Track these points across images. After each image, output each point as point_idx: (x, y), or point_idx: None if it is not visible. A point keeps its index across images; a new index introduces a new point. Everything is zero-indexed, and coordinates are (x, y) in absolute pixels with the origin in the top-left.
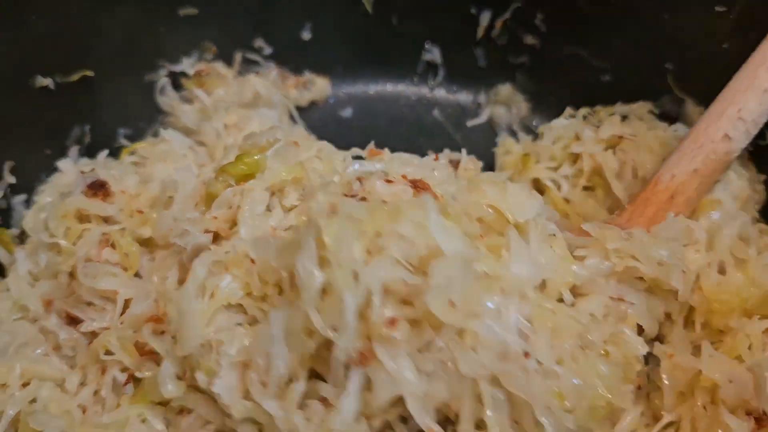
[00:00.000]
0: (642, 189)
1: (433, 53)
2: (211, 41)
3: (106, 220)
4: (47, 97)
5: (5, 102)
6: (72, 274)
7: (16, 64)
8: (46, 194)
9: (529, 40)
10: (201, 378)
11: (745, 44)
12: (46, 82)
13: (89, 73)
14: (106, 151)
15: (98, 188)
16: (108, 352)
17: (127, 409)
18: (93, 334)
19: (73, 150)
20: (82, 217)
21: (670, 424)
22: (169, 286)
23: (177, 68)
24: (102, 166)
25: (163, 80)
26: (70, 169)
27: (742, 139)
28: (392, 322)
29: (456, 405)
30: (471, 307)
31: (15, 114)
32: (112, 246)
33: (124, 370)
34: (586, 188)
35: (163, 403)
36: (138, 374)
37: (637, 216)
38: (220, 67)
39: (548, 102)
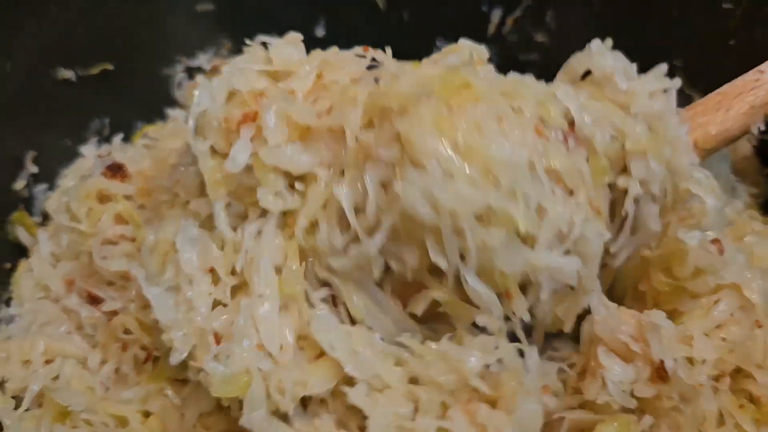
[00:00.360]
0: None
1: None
2: (226, 37)
3: (118, 199)
4: (69, 89)
5: (28, 93)
6: (92, 255)
7: (40, 56)
8: (68, 178)
9: (540, 37)
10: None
11: (751, 40)
12: (68, 74)
13: (109, 66)
14: (120, 135)
15: (116, 170)
16: (127, 331)
17: (148, 385)
18: (113, 313)
19: (93, 141)
20: (103, 198)
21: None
22: None
23: (193, 63)
24: (118, 149)
25: (180, 75)
26: (91, 154)
27: None
28: None
29: None
30: None
31: (38, 105)
32: (125, 222)
33: (143, 347)
34: None
35: (185, 380)
36: (156, 353)
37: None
38: None
39: None
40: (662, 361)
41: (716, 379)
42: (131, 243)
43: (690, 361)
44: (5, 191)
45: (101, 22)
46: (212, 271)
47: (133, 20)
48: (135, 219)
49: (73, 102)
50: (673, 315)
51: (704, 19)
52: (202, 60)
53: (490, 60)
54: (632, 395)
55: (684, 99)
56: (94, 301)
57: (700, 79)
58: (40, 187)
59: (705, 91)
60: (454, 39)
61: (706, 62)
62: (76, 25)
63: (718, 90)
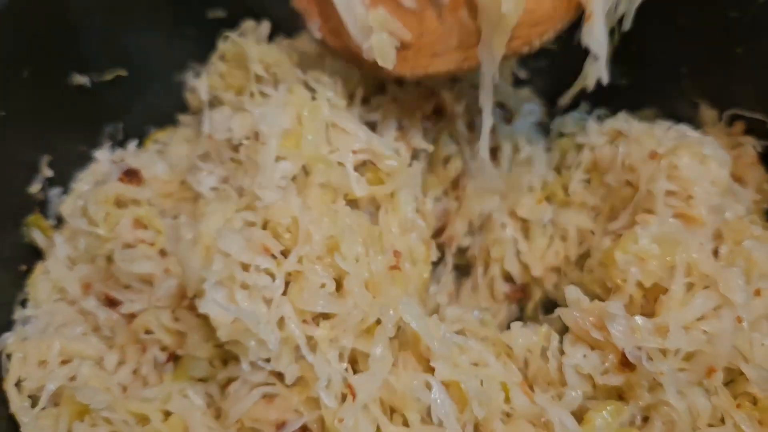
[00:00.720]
0: None
1: None
2: None
3: (139, 204)
4: (83, 94)
5: (44, 98)
6: (110, 258)
7: (55, 62)
8: (83, 182)
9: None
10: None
11: (757, 48)
12: (83, 80)
13: (123, 72)
14: (135, 141)
15: (132, 175)
16: (148, 332)
17: (169, 385)
18: (131, 316)
19: (106, 146)
20: (119, 203)
21: None
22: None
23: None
24: (132, 155)
25: (191, 80)
26: (106, 158)
27: None
28: None
29: None
30: None
31: (53, 110)
32: (144, 227)
33: (163, 349)
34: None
35: (204, 380)
36: (179, 352)
37: None
38: None
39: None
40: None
41: (707, 374)
42: (150, 247)
43: (663, 352)
44: (21, 194)
45: (115, 29)
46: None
47: (146, 27)
48: (155, 223)
49: (87, 107)
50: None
51: (711, 28)
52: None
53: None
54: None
55: (691, 106)
56: (111, 303)
57: (707, 87)
58: (55, 191)
59: (712, 99)
60: None
61: (713, 70)
62: (91, 33)
63: None
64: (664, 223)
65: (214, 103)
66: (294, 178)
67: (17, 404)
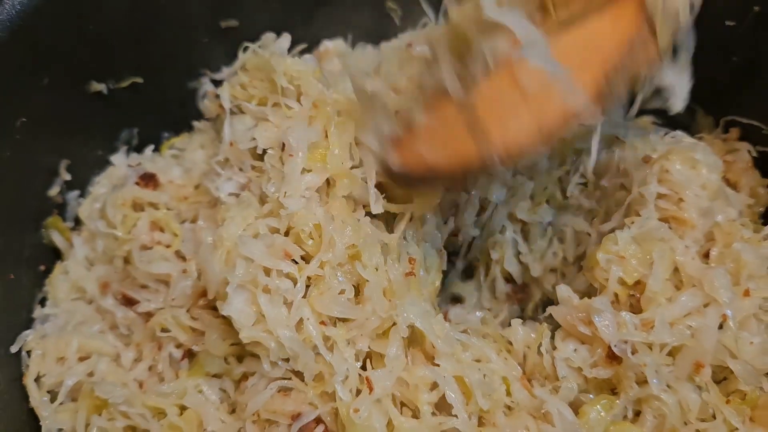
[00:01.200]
0: None
1: None
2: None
3: (156, 207)
4: (100, 101)
5: (63, 105)
6: (126, 260)
7: (74, 71)
8: (100, 186)
9: None
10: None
11: (754, 57)
12: (100, 87)
13: (138, 80)
14: (152, 146)
15: (149, 179)
16: (164, 330)
17: (184, 381)
18: (148, 314)
19: (122, 150)
20: (136, 206)
21: None
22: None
23: (218, 77)
24: (148, 159)
25: (205, 87)
26: (122, 163)
27: None
28: None
29: None
30: None
31: (71, 116)
32: (161, 229)
33: (178, 346)
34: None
35: (218, 375)
36: (194, 348)
37: None
38: None
39: None
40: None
41: (695, 370)
42: (166, 249)
43: (649, 346)
44: (41, 197)
45: (132, 38)
46: (287, 255)
47: (162, 36)
48: (171, 226)
49: (104, 114)
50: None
51: (706, 36)
52: (226, 73)
53: None
54: (584, 376)
55: (688, 113)
56: (129, 302)
57: (702, 94)
58: (73, 194)
59: (707, 107)
60: None
61: (709, 77)
62: (108, 40)
63: None
64: (644, 223)
65: (234, 111)
66: (318, 190)
67: (37, 399)
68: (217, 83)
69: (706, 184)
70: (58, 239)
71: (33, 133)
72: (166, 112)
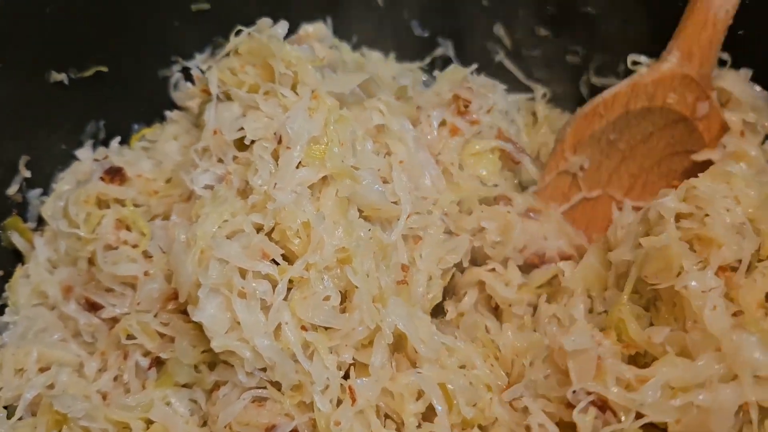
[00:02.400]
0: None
1: (446, 47)
2: (222, 37)
3: (123, 204)
4: (62, 91)
5: (21, 97)
6: (91, 261)
7: (31, 59)
8: (64, 182)
9: (542, 32)
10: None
11: (760, 29)
12: (61, 77)
13: (103, 68)
14: (118, 138)
15: (115, 173)
16: (130, 336)
17: (151, 392)
18: (113, 320)
19: (88, 144)
20: (101, 203)
21: None
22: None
23: (190, 64)
24: (115, 152)
25: (177, 75)
26: (88, 157)
27: None
28: None
29: None
30: None
31: (30, 109)
32: (128, 228)
33: (146, 354)
34: None
35: (189, 385)
36: (163, 355)
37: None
38: None
39: (564, 96)
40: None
41: None
42: (132, 249)
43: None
44: None
45: (94, 22)
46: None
47: (127, 20)
48: (139, 224)
49: (67, 105)
50: None
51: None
52: (198, 60)
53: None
54: None
55: None
56: (92, 307)
57: None
58: (34, 192)
59: None
60: (457, 36)
61: None
62: (69, 26)
63: None
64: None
65: (220, 98)
66: (311, 186)
67: None
68: (189, 70)
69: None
70: (18, 241)
71: None
72: (135, 101)
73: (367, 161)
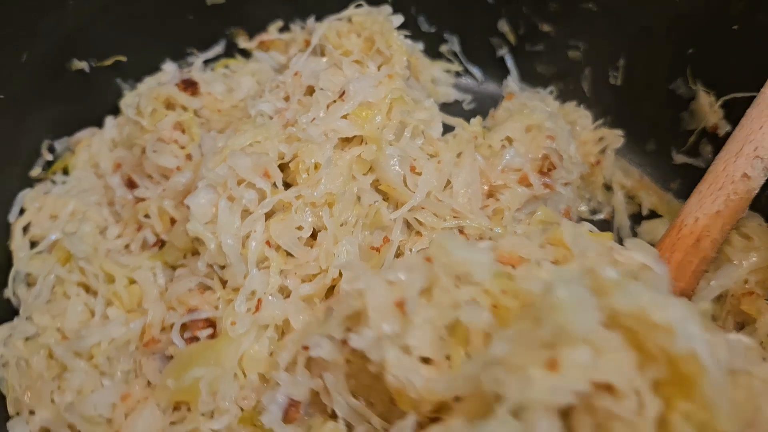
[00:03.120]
0: (666, 234)
1: (452, 43)
2: (237, 29)
3: (186, 110)
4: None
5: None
6: (144, 150)
7: (55, 48)
8: (146, 84)
9: (545, 27)
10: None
11: (754, 25)
12: (82, 65)
13: (122, 58)
14: (202, 58)
15: (189, 85)
16: (147, 216)
17: (143, 260)
18: (141, 200)
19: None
20: (169, 105)
21: None
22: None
23: (206, 56)
24: (198, 69)
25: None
26: (172, 70)
27: (760, 177)
28: None
29: None
30: None
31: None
32: (182, 131)
33: (155, 233)
34: None
35: (175, 267)
36: (164, 237)
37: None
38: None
39: (567, 90)
40: None
41: None
42: (180, 149)
43: None
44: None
45: (114, 15)
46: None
47: (146, 14)
48: (192, 130)
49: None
50: None
51: (709, 5)
52: (215, 52)
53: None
54: None
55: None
56: (131, 185)
57: (704, 66)
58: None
59: (708, 80)
60: (464, 33)
61: (710, 48)
62: (91, 18)
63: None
64: None
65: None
66: (342, 139)
67: (18, 242)
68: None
69: None
70: None
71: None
72: None
73: (402, 143)
